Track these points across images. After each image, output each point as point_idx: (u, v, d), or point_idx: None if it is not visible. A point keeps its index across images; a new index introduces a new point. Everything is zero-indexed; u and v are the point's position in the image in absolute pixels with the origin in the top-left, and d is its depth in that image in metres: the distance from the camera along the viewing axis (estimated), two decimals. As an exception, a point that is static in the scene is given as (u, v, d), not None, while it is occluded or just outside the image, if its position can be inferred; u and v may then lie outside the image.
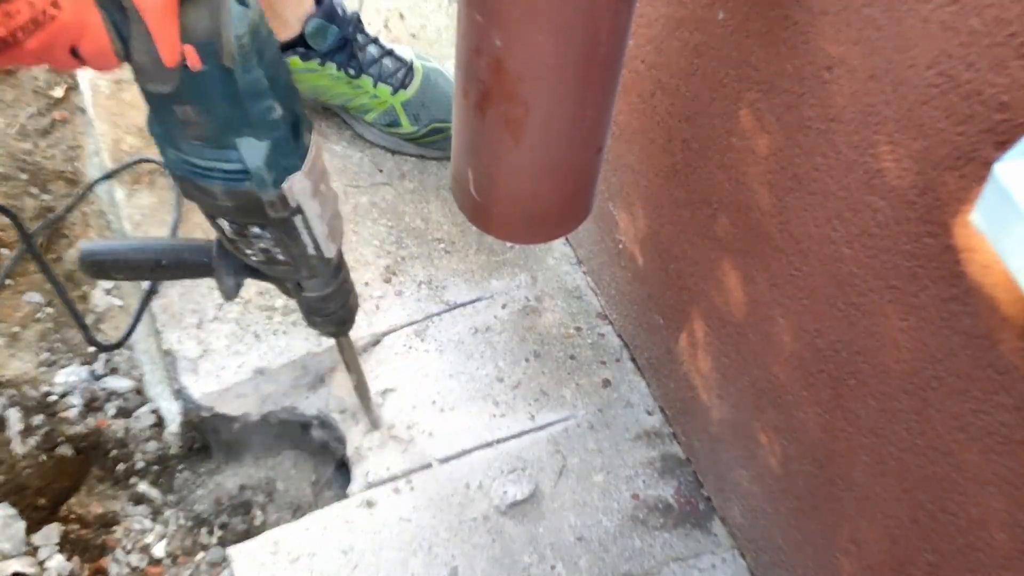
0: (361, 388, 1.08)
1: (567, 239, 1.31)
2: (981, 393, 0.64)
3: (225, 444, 1.28)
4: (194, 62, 0.58)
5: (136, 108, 1.38)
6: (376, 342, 1.21)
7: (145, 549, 1.13)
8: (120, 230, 1.31)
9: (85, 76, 1.41)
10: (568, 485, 1.11)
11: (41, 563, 1.06)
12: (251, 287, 1.22)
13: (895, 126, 0.64)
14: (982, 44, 0.55)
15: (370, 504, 1.09)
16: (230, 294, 0.83)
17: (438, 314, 1.23)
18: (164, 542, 1.14)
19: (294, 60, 1.26)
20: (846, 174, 0.70)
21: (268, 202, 0.69)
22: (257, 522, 1.22)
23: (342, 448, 1.26)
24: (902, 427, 0.73)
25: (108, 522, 1.14)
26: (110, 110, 1.37)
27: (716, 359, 0.99)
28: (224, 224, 0.73)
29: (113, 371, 1.24)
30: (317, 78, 1.28)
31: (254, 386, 1.18)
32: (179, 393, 1.18)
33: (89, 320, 1.27)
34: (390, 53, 1.30)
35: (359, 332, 1.20)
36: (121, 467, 1.19)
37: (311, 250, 0.78)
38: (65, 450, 1.15)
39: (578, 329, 1.23)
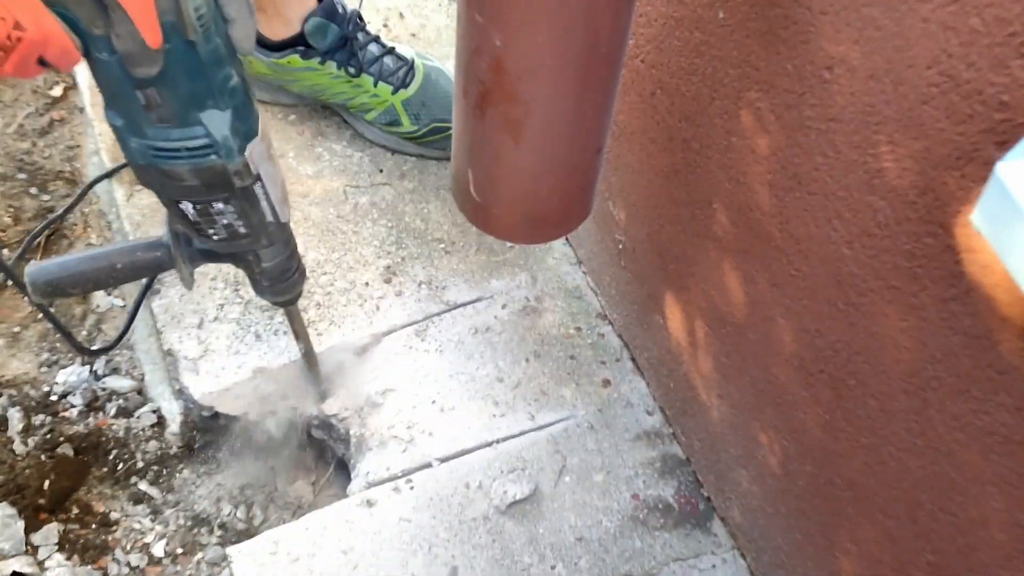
0: (309, 356, 1.11)
1: (567, 239, 1.31)
2: (981, 393, 0.64)
3: (225, 444, 1.28)
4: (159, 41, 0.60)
5: (136, 108, 1.38)
6: (376, 342, 1.21)
7: (145, 549, 1.13)
8: (120, 230, 1.31)
9: (84, 76, 1.41)
10: (568, 485, 1.11)
11: (40, 563, 1.06)
12: (251, 287, 1.22)
13: (895, 126, 0.64)
14: (982, 44, 0.55)
15: (370, 504, 1.09)
16: (190, 282, 0.85)
17: (438, 314, 1.23)
18: (164, 542, 1.14)
19: (294, 58, 1.26)
20: (846, 174, 0.70)
21: (234, 171, 0.71)
22: (257, 522, 1.22)
23: (342, 448, 1.26)
24: (902, 427, 0.73)
25: (108, 522, 1.14)
26: (110, 110, 1.37)
27: (716, 359, 0.99)
28: (187, 207, 0.75)
29: (114, 371, 1.24)
30: (317, 77, 1.28)
31: (254, 386, 1.18)
32: (180, 393, 1.18)
33: (90, 321, 1.27)
34: (391, 52, 1.30)
35: (359, 332, 1.20)
36: (121, 467, 1.19)
37: (270, 216, 0.80)
38: (65, 450, 1.15)
39: (578, 329, 1.23)
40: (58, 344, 1.25)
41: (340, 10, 1.25)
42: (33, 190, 1.36)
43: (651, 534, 1.09)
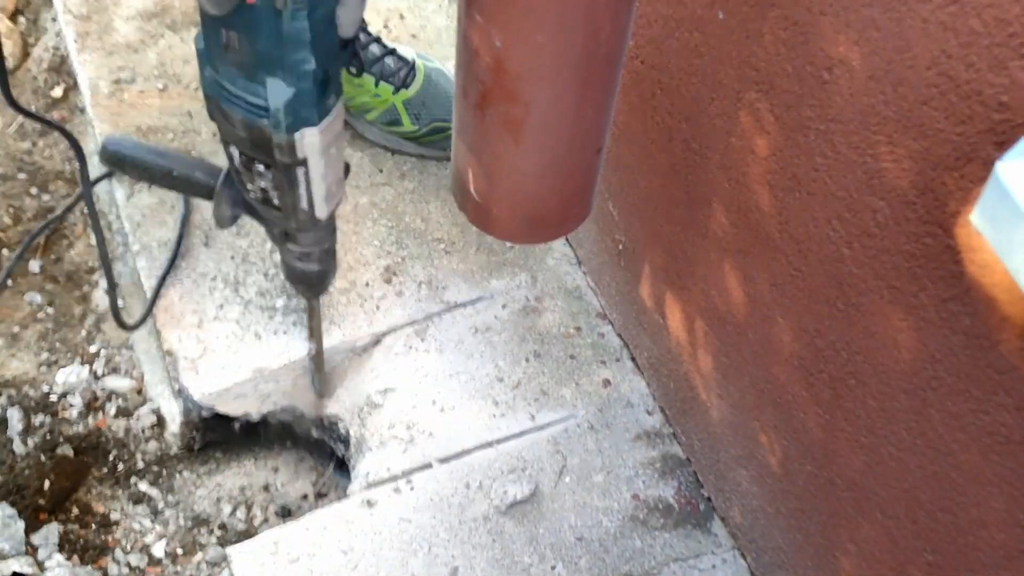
0: (318, 358, 1.12)
1: (567, 239, 1.31)
2: (981, 393, 0.64)
3: (225, 444, 1.28)
4: None
5: (135, 108, 1.38)
6: (376, 342, 1.21)
7: (145, 549, 1.13)
8: (120, 230, 1.31)
9: (85, 76, 1.41)
10: (568, 485, 1.11)
11: (40, 563, 1.06)
12: (251, 287, 1.23)
13: (895, 126, 0.64)
14: (982, 44, 0.55)
15: (370, 504, 1.09)
16: (224, 223, 0.87)
17: (438, 314, 1.23)
18: (164, 542, 1.14)
19: None
20: (845, 174, 0.70)
21: (277, 144, 0.73)
22: (257, 522, 1.22)
23: (342, 448, 1.26)
24: (902, 427, 0.73)
25: (108, 522, 1.14)
26: (110, 110, 1.37)
27: (716, 359, 0.99)
28: (235, 152, 0.78)
29: (113, 371, 1.24)
30: None
31: (254, 386, 1.18)
32: (179, 393, 1.18)
33: (90, 320, 1.27)
34: (392, 52, 1.30)
35: (359, 332, 1.20)
36: (121, 467, 1.19)
37: (304, 204, 0.82)
38: (65, 450, 1.15)
39: (578, 329, 1.23)
40: (57, 344, 1.25)
41: None
42: (33, 190, 1.36)
43: (651, 534, 1.09)
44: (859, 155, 0.68)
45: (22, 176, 1.37)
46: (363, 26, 1.29)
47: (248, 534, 1.18)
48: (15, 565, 1.03)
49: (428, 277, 1.25)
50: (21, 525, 1.06)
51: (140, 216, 1.28)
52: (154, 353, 1.25)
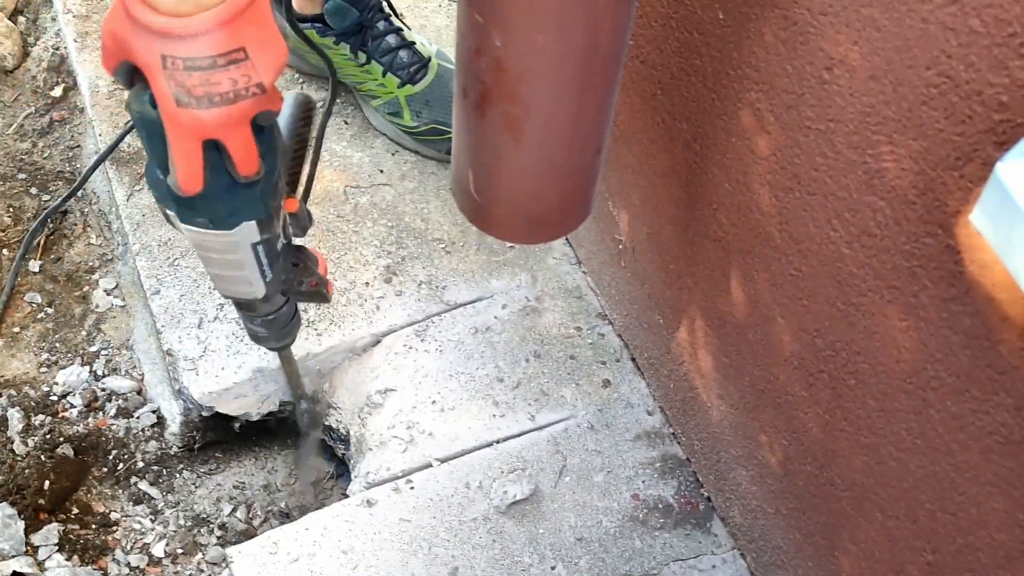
0: (301, 398, 1.11)
1: (567, 239, 1.31)
2: (981, 393, 0.64)
3: (225, 444, 1.28)
4: None
5: (136, 108, 1.38)
6: (376, 342, 1.21)
7: (145, 549, 1.13)
8: (120, 230, 1.31)
9: (84, 76, 1.41)
10: (568, 485, 1.11)
11: (40, 563, 1.06)
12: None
13: (895, 126, 0.64)
14: (982, 44, 0.55)
15: (370, 504, 1.09)
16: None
17: (438, 314, 1.23)
18: (164, 542, 1.14)
19: (311, 32, 1.28)
20: (846, 174, 0.70)
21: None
22: (257, 522, 1.22)
23: (342, 448, 1.26)
24: (902, 427, 0.73)
25: (108, 522, 1.14)
26: (110, 109, 1.37)
27: (716, 359, 0.99)
28: None
29: (113, 371, 1.24)
30: (332, 55, 1.29)
31: (254, 386, 1.18)
32: (179, 393, 1.18)
33: (90, 320, 1.27)
34: (409, 46, 1.31)
35: (359, 332, 1.20)
36: (121, 467, 1.19)
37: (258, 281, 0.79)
38: (65, 450, 1.15)
39: (578, 329, 1.23)
40: (57, 344, 1.25)
41: None
42: (33, 190, 1.36)
43: (651, 534, 1.09)
44: (859, 155, 0.68)
45: (22, 176, 1.37)
46: (386, 15, 1.30)
47: (248, 534, 1.18)
48: (15, 565, 1.03)
49: (428, 277, 1.25)
50: (21, 525, 1.06)
51: (140, 216, 1.28)
52: (154, 353, 1.25)
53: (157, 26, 0.55)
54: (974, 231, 0.58)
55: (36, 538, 1.08)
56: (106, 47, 0.60)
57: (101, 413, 1.21)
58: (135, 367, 1.24)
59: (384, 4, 1.30)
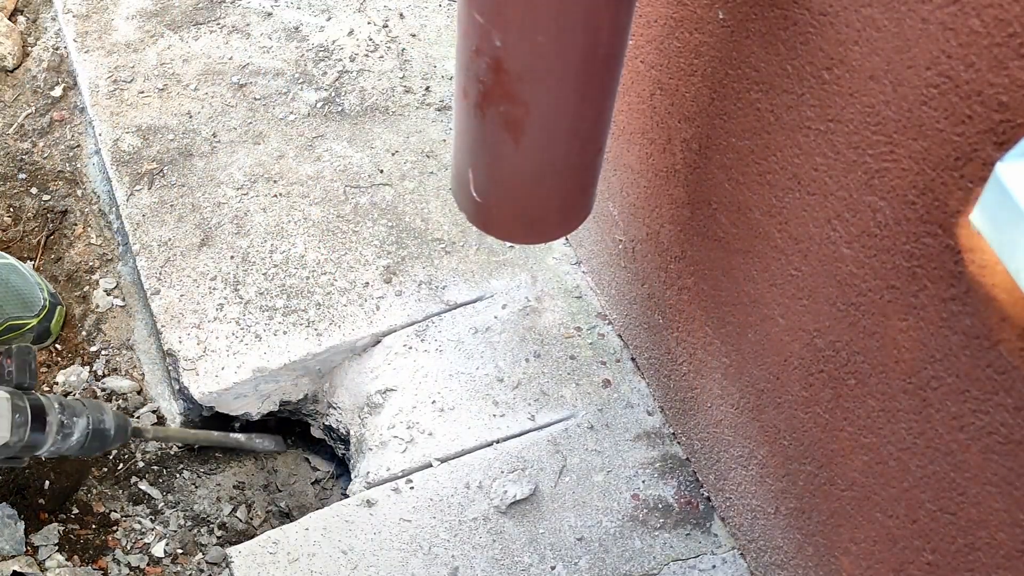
0: (212, 440, 1.19)
1: (567, 239, 1.31)
2: (981, 393, 0.64)
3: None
4: None
5: (135, 108, 1.38)
6: (376, 342, 1.21)
7: (145, 549, 1.13)
8: (120, 230, 1.31)
9: (84, 75, 1.41)
10: (568, 485, 1.11)
11: (41, 563, 1.06)
12: (251, 287, 1.23)
13: (895, 126, 0.64)
14: (982, 44, 0.55)
15: (370, 504, 1.09)
16: None
17: (438, 314, 1.23)
18: (164, 542, 1.14)
19: None
20: (846, 174, 0.70)
21: None
22: (257, 522, 1.22)
23: (342, 448, 1.26)
24: (902, 427, 0.73)
25: (108, 522, 1.14)
26: (110, 109, 1.37)
27: (716, 359, 0.99)
28: None
29: (114, 371, 1.24)
30: None
31: (254, 386, 1.18)
32: (179, 393, 1.18)
33: (90, 320, 1.27)
34: None
35: (359, 332, 1.20)
36: (121, 467, 1.19)
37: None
38: (65, 450, 1.15)
39: (578, 329, 1.23)
40: (57, 344, 1.25)
41: None
42: (33, 190, 1.36)
43: (651, 534, 1.09)
44: (859, 155, 0.68)
45: (22, 176, 1.37)
46: None
47: (248, 534, 1.18)
48: (15, 565, 1.03)
49: (428, 277, 1.25)
50: (21, 525, 1.06)
51: (140, 216, 1.28)
52: (154, 353, 1.25)
53: None
54: (974, 231, 0.58)
55: (36, 538, 1.08)
56: None
57: (101, 413, 1.20)
58: (135, 367, 1.24)
59: None
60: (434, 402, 1.16)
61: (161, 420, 1.21)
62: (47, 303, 1.19)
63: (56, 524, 1.11)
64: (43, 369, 1.22)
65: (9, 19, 1.50)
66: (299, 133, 1.37)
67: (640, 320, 1.15)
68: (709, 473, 1.11)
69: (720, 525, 1.11)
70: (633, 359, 1.21)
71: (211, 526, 1.18)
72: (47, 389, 1.20)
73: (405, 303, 1.23)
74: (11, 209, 1.34)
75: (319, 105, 1.40)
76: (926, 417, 0.70)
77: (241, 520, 1.20)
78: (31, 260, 1.30)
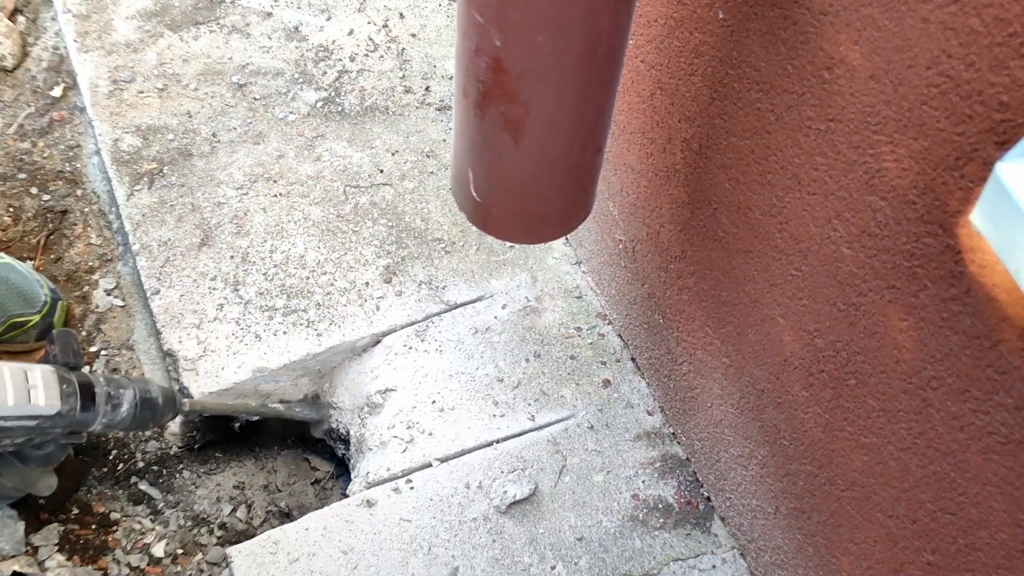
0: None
1: (567, 239, 1.31)
2: (981, 393, 0.64)
3: (225, 444, 1.28)
4: None
5: (135, 108, 1.38)
6: (376, 342, 1.21)
7: (145, 549, 1.13)
8: (120, 230, 1.31)
9: (84, 75, 1.41)
10: (568, 485, 1.11)
11: (41, 563, 1.06)
12: (251, 287, 1.23)
13: (895, 126, 0.64)
14: (982, 44, 0.55)
15: (370, 504, 1.09)
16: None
17: (438, 314, 1.23)
18: (164, 542, 1.14)
19: None
20: (846, 174, 0.70)
21: None
22: (257, 522, 1.22)
23: (342, 448, 1.26)
24: (902, 427, 0.73)
25: (108, 522, 1.14)
26: (110, 109, 1.37)
27: (716, 359, 0.99)
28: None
29: (114, 371, 1.24)
30: None
31: (254, 386, 1.18)
32: (180, 393, 1.18)
33: (90, 320, 1.27)
34: None
35: (359, 332, 1.20)
36: (121, 467, 1.19)
37: (33, 422, 0.92)
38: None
39: (578, 329, 1.23)
40: (58, 344, 1.25)
41: None
42: (33, 190, 1.36)
43: (651, 534, 1.09)
44: (859, 155, 0.68)
45: (22, 176, 1.37)
46: None
47: (248, 534, 1.18)
48: (16, 565, 1.03)
49: (428, 277, 1.25)
50: (21, 525, 1.06)
51: (140, 216, 1.28)
52: (154, 353, 1.24)
53: None
54: (974, 231, 0.58)
55: (36, 538, 1.08)
56: None
57: (101, 413, 1.20)
58: (135, 367, 1.24)
59: None
60: (434, 402, 1.16)
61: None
62: (48, 299, 1.19)
63: (56, 524, 1.11)
64: (43, 369, 1.22)
65: (9, 19, 1.50)
66: (299, 133, 1.37)
67: (640, 320, 1.15)
68: (709, 473, 1.11)
69: (720, 525, 1.11)
70: (633, 359, 1.21)
71: (211, 526, 1.18)
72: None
73: (405, 303, 1.23)
74: (11, 209, 1.34)
75: (319, 105, 1.40)
76: (926, 417, 0.70)
77: (241, 520, 1.20)
78: (31, 260, 1.30)
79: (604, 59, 0.66)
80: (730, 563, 1.08)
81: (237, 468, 1.26)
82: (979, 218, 0.55)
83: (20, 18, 1.53)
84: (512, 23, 0.62)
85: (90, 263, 1.32)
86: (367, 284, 1.24)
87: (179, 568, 1.12)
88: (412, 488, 1.10)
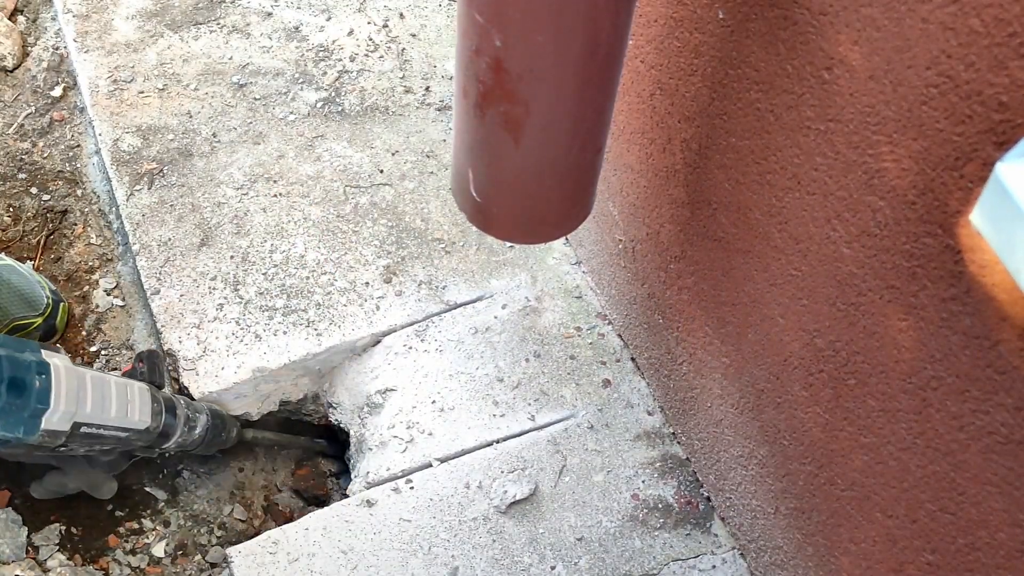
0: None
1: (567, 239, 1.31)
2: (981, 393, 0.64)
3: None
4: None
5: (135, 108, 1.38)
6: (376, 342, 1.21)
7: (145, 549, 1.13)
8: (120, 230, 1.31)
9: (84, 75, 1.41)
10: (568, 485, 1.11)
11: (42, 563, 1.06)
12: (251, 287, 1.23)
13: (895, 126, 0.64)
14: (982, 44, 0.55)
15: (370, 504, 1.09)
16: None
17: (438, 314, 1.23)
18: (164, 542, 1.14)
19: None
20: (846, 174, 0.70)
21: (36, 444, 0.85)
22: (257, 522, 1.22)
23: (342, 448, 1.26)
24: (902, 427, 0.73)
25: (109, 522, 1.14)
26: (110, 109, 1.37)
27: (716, 359, 0.99)
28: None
29: (114, 371, 1.24)
30: None
31: (254, 386, 1.18)
32: (179, 393, 1.18)
33: (90, 320, 1.27)
34: None
35: (359, 332, 1.20)
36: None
37: (124, 433, 0.94)
38: (65, 450, 1.15)
39: (578, 329, 1.23)
40: (58, 344, 1.25)
41: None
42: (33, 190, 1.36)
43: (651, 534, 1.09)
44: (859, 155, 0.68)
45: (22, 176, 1.37)
46: None
47: (248, 534, 1.18)
48: (17, 569, 1.03)
49: (428, 277, 1.25)
50: (24, 531, 1.06)
51: (140, 216, 1.28)
52: (154, 353, 1.24)
53: None
54: (974, 231, 0.58)
55: (37, 538, 1.08)
56: None
57: (101, 413, 1.20)
58: (135, 367, 1.24)
59: None
60: (434, 402, 1.16)
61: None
62: (50, 301, 1.19)
63: (58, 524, 1.11)
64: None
65: (9, 19, 1.50)
66: (299, 133, 1.37)
67: (640, 320, 1.15)
68: (709, 473, 1.11)
69: (720, 525, 1.11)
70: (633, 359, 1.21)
71: (211, 526, 1.18)
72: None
73: (405, 303, 1.23)
74: (11, 209, 1.34)
75: (319, 105, 1.40)
76: (926, 417, 0.70)
77: (241, 520, 1.20)
78: (31, 260, 1.30)
79: (604, 59, 0.66)
80: (730, 563, 1.08)
81: (237, 468, 1.26)
82: (979, 218, 0.55)
83: (20, 18, 1.53)
84: (512, 23, 0.62)
85: (90, 263, 1.32)
86: (367, 284, 1.24)
87: (179, 568, 1.12)
88: (412, 488, 1.10)
